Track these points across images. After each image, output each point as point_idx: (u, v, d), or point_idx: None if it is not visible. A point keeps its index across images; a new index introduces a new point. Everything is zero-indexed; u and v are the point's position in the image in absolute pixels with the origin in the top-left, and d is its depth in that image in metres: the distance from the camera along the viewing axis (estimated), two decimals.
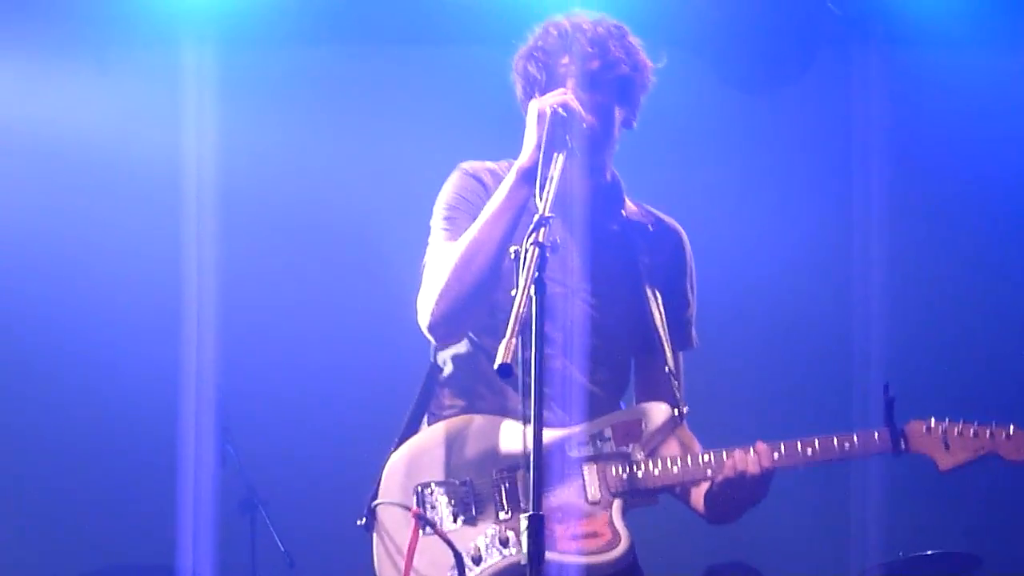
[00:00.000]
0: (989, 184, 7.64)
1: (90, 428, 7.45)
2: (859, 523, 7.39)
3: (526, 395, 2.93)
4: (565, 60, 3.58)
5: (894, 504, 6.90)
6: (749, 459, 3.41)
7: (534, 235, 3.03)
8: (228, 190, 7.37)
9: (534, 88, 3.60)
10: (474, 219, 3.50)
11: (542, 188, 3.21)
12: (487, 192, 3.60)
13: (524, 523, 2.87)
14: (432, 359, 3.70)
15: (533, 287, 2.96)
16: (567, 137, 3.35)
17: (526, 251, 3.01)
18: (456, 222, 3.58)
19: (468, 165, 3.69)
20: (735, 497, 3.47)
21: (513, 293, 2.99)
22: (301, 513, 7.12)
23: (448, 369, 3.64)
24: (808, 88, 7.54)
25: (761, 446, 3.43)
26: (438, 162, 3.80)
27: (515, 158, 3.53)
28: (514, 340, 2.89)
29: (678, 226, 3.84)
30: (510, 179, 3.44)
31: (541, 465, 2.90)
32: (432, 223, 3.66)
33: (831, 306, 7.53)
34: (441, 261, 3.49)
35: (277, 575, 6.79)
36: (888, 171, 7.58)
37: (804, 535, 7.52)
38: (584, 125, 3.44)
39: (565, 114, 3.38)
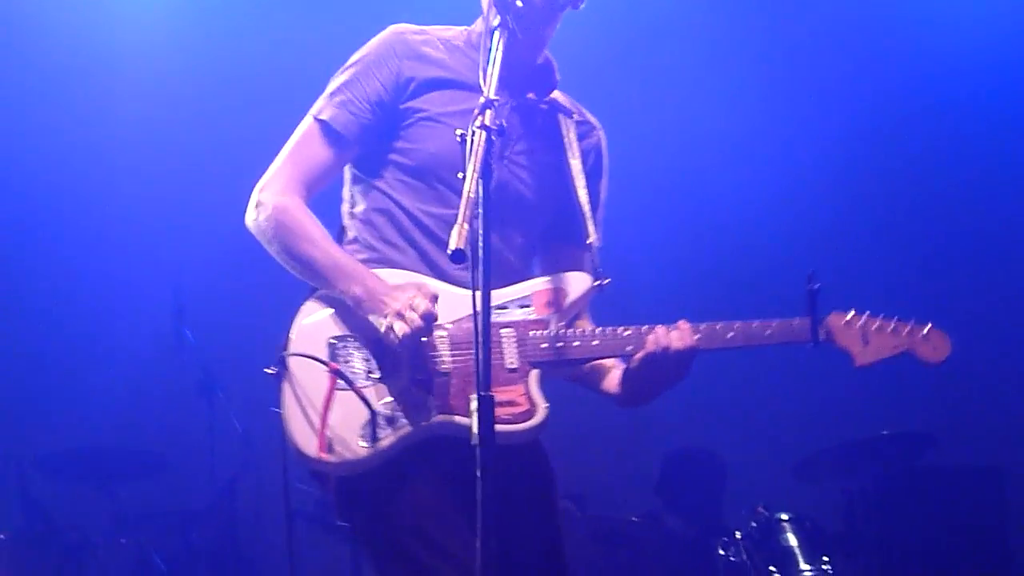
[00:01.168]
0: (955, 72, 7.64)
1: (46, 310, 7.42)
2: (814, 404, 7.46)
3: (472, 269, 2.87)
4: None
5: (849, 386, 6.93)
6: (672, 335, 3.38)
7: (480, 118, 2.98)
8: (181, 58, 7.30)
9: None
10: (367, 102, 3.48)
11: (486, 69, 3.12)
12: (411, 52, 3.50)
13: (474, 404, 2.84)
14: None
15: (480, 173, 2.91)
16: (507, 17, 3.22)
17: (473, 134, 2.96)
18: (342, 104, 3.51)
19: (403, 28, 3.57)
20: (654, 375, 3.42)
21: (461, 176, 2.93)
22: (257, 394, 7.11)
23: (360, 208, 3.54)
24: None
25: (684, 324, 3.40)
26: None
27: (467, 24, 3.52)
28: (466, 226, 2.84)
29: (599, 125, 3.74)
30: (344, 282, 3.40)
31: (489, 347, 2.87)
32: (331, 81, 3.58)
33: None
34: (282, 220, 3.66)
35: (234, 456, 6.80)
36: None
37: (760, 419, 7.59)
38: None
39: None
